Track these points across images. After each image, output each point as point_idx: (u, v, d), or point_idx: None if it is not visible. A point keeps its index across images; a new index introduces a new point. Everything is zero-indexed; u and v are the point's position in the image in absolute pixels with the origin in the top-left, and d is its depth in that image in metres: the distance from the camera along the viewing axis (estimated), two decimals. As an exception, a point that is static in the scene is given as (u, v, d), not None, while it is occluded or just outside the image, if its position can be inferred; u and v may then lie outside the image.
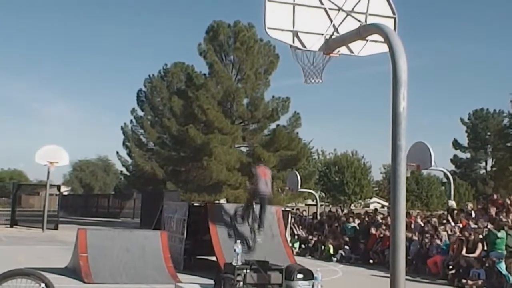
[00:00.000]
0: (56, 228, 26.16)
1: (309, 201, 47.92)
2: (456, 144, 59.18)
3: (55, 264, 12.01)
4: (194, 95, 30.58)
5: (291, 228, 19.41)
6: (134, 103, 41.13)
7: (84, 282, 10.46)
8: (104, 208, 48.42)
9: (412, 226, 16.52)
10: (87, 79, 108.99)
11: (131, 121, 40.36)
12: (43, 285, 5.10)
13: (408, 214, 17.73)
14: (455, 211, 16.87)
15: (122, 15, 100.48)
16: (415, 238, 15.50)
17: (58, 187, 31.61)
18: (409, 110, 6.77)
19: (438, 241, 14.79)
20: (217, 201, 13.93)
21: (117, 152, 40.53)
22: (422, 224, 16.60)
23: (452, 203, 18.09)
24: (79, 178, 75.91)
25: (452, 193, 19.61)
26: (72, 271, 11.31)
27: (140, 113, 40.59)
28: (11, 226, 27.05)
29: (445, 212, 17.99)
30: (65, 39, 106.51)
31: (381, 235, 16.84)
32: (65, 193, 59.24)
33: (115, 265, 11.14)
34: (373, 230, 17.58)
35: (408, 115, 6.81)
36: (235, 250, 10.74)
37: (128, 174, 40.98)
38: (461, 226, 15.04)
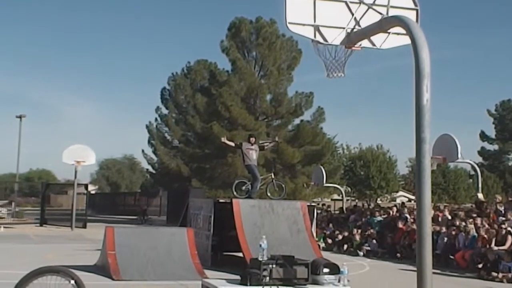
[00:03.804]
0: (84, 227, 26.54)
1: (335, 196, 47.77)
2: (483, 136, 58.30)
3: (84, 261, 12.21)
4: (217, 92, 30.72)
5: (317, 223, 19.40)
6: (158, 102, 41.50)
7: (112, 279, 10.60)
8: (131, 206, 48.93)
9: (440, 219, 16.37)
10: (112, 79, 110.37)
11: (156, 119, 40.69)
12: (72, 282, 5.18)
13: (436, 208, 17.58)
14: (484, 204, 16.66)
15: (145, 14, 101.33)
16: (443, 231, 15.35)
17: (86, 186, 32.03)
18: (435, 102, 6.73)
19: (466, 235, 14.63)
20: (242, 197, 13.99)
21: (143, 151, 40.91)
22: (450, 218, 16.43)
23: (480, 195, 17.88)
24: (105, 176, 76.73)
25: (480, 185, 19.36)
26: (101, 269, 11.48)
27: (165, 111, 40.89)
28: (41, 225, 27.55)
29: (473, 205, 17.78)
30: (91, 39, 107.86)
31: (408, 229, 16.73)
32: (93, 192, 60.06)
33: (143, 262, 11.27)
34: (400, 224, 17.47)
35: (433, 107, 6.76)
36: (260, 245, 10.77)
37: (153, 172, 41.32)
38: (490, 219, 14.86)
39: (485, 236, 13.88)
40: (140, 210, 37.73)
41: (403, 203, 23.88)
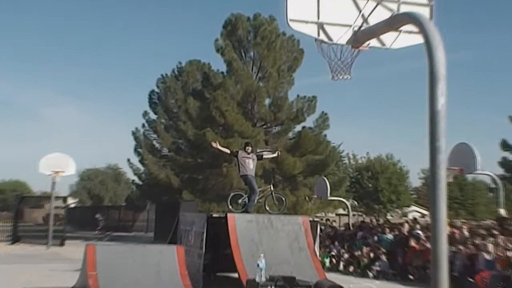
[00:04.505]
0: (62, 244, 26.46)
1: (340, 211, 47.68)
2: (504, 145, 58.18)
3: (62, 283, 12.16)
4: (211, 95, 30.77)
5: (320, 240, 19.37)
6: (146, 106, 41.53)
7: (93, 302, 10.57)
8: (115, 221, 48.80)
9: (457, 237, 16.35)
10: (95, 81, 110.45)
11: (143, 125, 40.70)
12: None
13: (453, 224, 17.55)
14: (506, 220, 16.64)
15: (132, 10, 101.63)
16: (461, 251, 15.32)
17: (64, 199, 31.97)
18: (450, 108, 6.72)
19: (486, 254, 14.61)
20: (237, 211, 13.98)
21: (128, 160, 40.86)
22: (468, 235, 16.40)
23: (502, 211, 17.86)
24: (87, 188, 76.63)
25: (502, 200, 19.34)
26: (81, 291, 11.44)
27: (153, 116, 40.92)
28: (13, 243, 27.37)
29: (494, 222, 17.76)
30: (71, 35, 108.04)
31: (422, 248, 16.69)
32: (72, 206, 59.96)
33: (128, 283, 11.23)
34: (412, 242, 17.43)
35: (448, 113, 6.74)
36: (258, 265, 10.76)
37: (140, 183, 41.26)
38: None
39: (508, 256, 13.86)
40: (96, 221, 37.04)
41: (415, 218, 23.84)
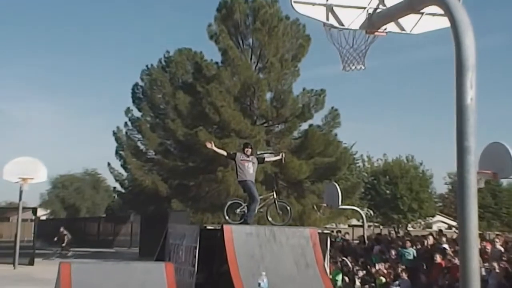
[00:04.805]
0: (31, 263, 26.47)
1: (354, 221, 47.78)
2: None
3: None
4: (204, 89, 30.79)
5: (331, 255, 19.37)
6: (129, 102, 41.55)
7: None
8: (94, 235, 48.85)
9: (490, 252, 16.35)
10: (69, 72, 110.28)
11: (126, 124, 40.71)
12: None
13: (485, 237, 17.57)
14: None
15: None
16: (495, 268, 15.32)
17: (34, 210, 31.98)
18: (481, 102, 6.73)
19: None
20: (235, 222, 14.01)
21: (109, 164, 40.88)
22: (503, 250, 16.41)
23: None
24: (60, 198, 76.70)
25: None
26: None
27: (137, 113, 40.96)
28: (-28, 262, 27.34)
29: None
30: (41, 22, 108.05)
31: (448, 264, 16.71)
32: (43, 218, 60.02)
33: (109, 307, 11.24)
34: (437, 258, 17.44)
35: (479, 108, 6.74)
36: (259, 284, 10.78)
37: (123, 191, 41.33)
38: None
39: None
40: (59, 236, 36.63)
41: (440, 230, 23.90)
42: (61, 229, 36.62)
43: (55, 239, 36.23)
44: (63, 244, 34.77)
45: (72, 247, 35.82)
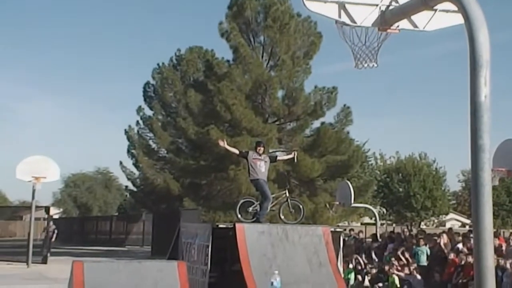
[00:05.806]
0: (44, 262, 26.57)
1: (366, 219, 47.75)
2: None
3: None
4: (215, 87, 30.79)
5: (343, 254, 19.34)
6: (141, 100, 41.69)
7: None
8: (106, 234, 49.02)
9: (504, 250, 16.27)
10: (81, 71, 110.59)
11: (138, 122, 40.87)
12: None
13: (499, 235, 17.49)
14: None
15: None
16: (508, 266, 15.26)
17: (47, 209, 32.08)
18: (496, 99, 6.70)
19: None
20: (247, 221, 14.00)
21: (121, 163, 41.07)
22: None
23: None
24: (73, 196, 77.03)
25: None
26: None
27: (149, 112, 41.11)
28: (-14, 261, 27.50)
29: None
30: (54, 21, 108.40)
31: (462, 263, 16.64)
32: (56, 217, 60.25)
33: (121, 305, 11.25)
34: (451, 256, 17.39)
35: (493, 105, 6.71)
36: (272, 283, 10.78)
37: (135, 190, 41.44)
38: None
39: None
40: (46, 235, 36.45)
41: (450, 228, 23.82)
42: (50, 224, 36.55)
43: (44, 234, 36.00)
44: (52, 240, 34.69)
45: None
